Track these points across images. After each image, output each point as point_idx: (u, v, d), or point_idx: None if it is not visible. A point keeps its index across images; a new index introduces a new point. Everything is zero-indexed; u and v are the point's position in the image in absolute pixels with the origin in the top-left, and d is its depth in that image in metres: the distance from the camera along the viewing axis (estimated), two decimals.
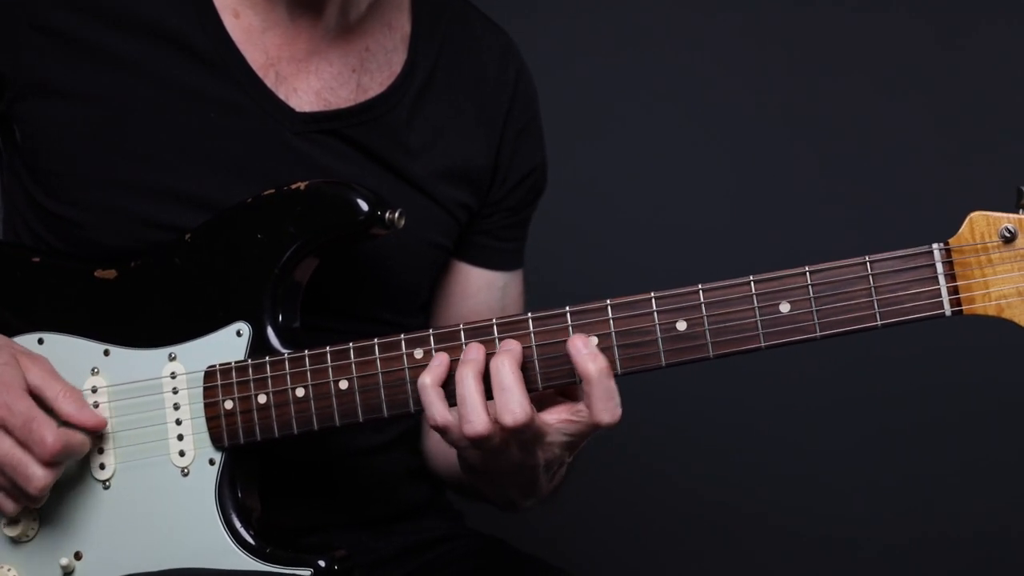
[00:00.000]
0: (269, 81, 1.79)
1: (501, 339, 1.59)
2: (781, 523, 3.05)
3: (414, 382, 1.61)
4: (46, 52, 1.76)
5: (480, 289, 1.99)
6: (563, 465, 1.68)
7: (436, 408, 1.58)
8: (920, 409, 2.99)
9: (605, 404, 1.54)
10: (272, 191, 1.70)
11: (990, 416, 2.97)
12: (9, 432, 1.62)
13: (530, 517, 1.86)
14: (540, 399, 1.59)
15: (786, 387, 2.95)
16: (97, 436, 1.69)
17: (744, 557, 3.07)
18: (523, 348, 1.58)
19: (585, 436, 1.60)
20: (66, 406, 1.64)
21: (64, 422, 1.64)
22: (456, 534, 1.96)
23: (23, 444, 1.61)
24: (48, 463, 1.62)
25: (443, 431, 1.59)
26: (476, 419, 1.54)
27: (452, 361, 1.59)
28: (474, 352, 1.58)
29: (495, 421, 1.54)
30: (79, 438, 1.65)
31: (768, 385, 2.93)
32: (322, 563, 1.64)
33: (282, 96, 1.79)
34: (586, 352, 1.54)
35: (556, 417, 1.58)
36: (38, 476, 1.62)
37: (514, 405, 1.53)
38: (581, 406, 1.57)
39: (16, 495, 1.65)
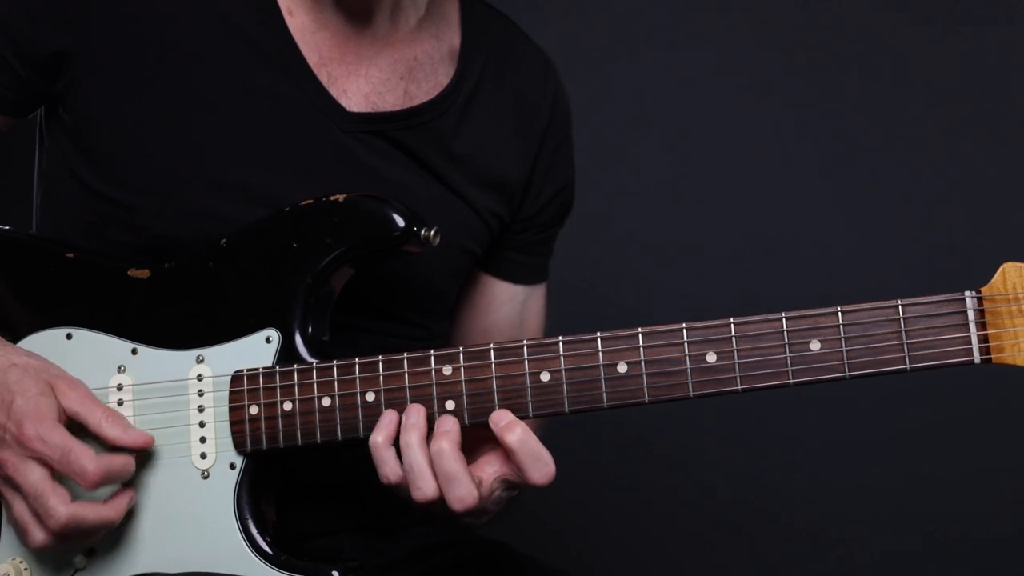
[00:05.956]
0: (323, 80, 1.82)
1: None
2: (785, 525, 3.05)
3: (441, 398, 1.62)
4: (112, 35, 1.77)
5: (504, 303, 2.04)
6: (511, 501, 1.70)
7: (389, 466, 1.61)
8: (926, 411, 2.99)
9: (534, 466, 1.58)
10: (310, 201, 1.71)
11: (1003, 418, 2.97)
12: (46, 465, 1.59)
13: (534, 521, 1.88)
14: (480, 440, 1.63)
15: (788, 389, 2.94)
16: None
17: (747, 559, 3.07)
18: (554, 372, 1.59)
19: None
20: (110, 431, 1.63)
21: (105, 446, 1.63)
22: (463, 539, 1.98)
23: (64, 476, 1.59)
24: (93, 489, 1.59)
25: (396, 488, 1.62)
26: (425, 486, 1.59)
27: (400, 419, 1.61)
28: (415, 416, 1.61)
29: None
30: (120, 461, 1.62)
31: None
32: (335, 573, 1.65)
33: (334, 95, 1.82)
34: (503, 424, 1.59)
35: (494, 470, 1.62)
36: (59, 512, 1.58)
37: (462, 492, 1.58)
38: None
39: (45, 528, 1.61)
